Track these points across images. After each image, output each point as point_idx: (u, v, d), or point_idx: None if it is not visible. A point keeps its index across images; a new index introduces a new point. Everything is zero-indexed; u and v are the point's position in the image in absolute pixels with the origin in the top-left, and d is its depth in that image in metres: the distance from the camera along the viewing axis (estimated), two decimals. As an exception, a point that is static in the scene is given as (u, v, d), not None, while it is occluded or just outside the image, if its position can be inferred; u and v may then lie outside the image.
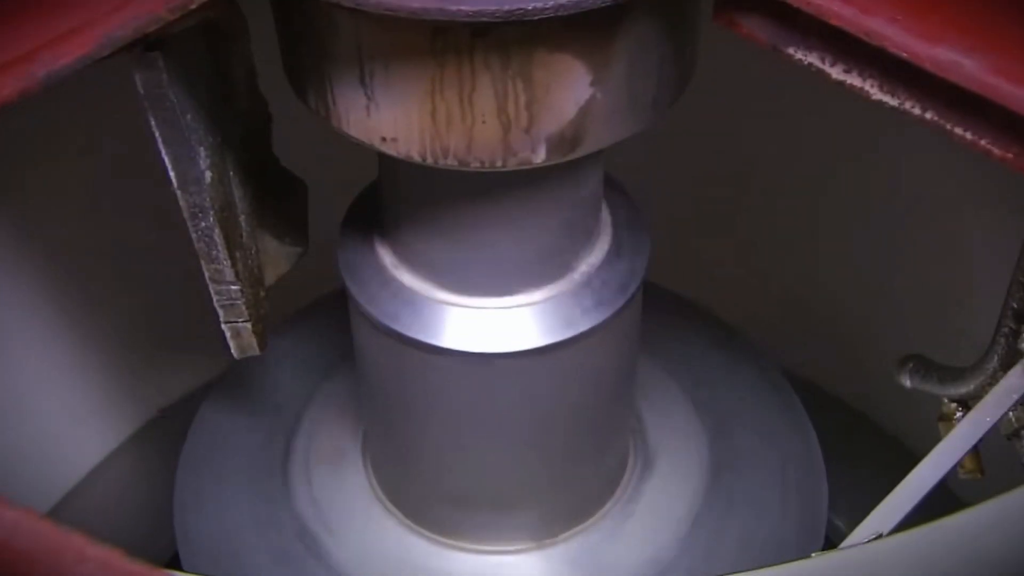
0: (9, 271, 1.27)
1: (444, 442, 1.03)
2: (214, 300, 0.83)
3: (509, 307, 0.93)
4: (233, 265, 0.82)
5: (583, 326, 0.93)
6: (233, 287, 0.83)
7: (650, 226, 0.99)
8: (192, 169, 0.76)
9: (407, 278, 0.94)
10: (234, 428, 1.23)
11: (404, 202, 0.90)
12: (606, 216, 0.98)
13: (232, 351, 0.87)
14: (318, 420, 1.22)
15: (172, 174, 0.75)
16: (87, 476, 1.47)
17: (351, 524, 1.13)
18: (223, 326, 0.85)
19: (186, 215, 0.78)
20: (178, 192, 0.77)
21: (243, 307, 0.84)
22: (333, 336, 1.18)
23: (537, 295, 0.93)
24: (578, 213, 0.91)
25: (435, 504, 1.10)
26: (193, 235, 0.79)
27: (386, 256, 0.96)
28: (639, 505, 1.14)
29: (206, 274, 0.82)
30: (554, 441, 1.03)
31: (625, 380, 1.07)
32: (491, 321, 0.93)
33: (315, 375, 1.27)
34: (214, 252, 0.80)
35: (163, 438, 1.50)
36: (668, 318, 1.26)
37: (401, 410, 1.03)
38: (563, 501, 1.11)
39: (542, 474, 1.06)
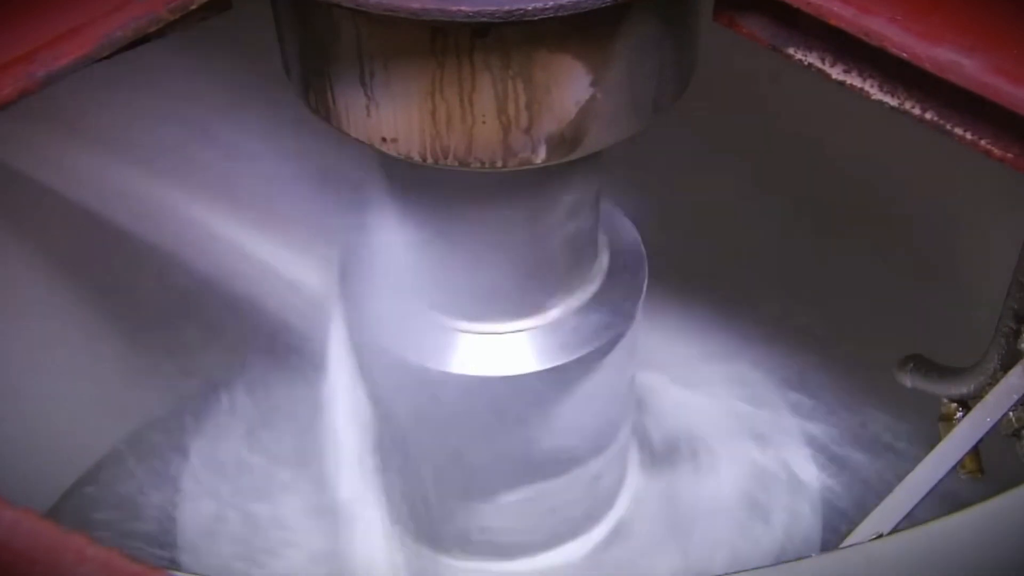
0: (20, 258, 1.27)
1: (441, 459, 1.03)
2: None
3: (506, 332, 0.93)
4: None
5: (581, 351, 0.94)
6: None
7: (645, 247, 1.00)
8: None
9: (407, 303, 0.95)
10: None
11: (402, 211, 0.90)
12: (603, 238, 0.99)
13: None
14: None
15: None
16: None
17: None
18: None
19: None
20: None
21: None
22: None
23: (535, 320, 0.94)
24: (576, 226, 0.91)
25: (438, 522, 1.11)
26: None
27: None
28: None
29: None
30: (554, 458, 1.03)
31: (619, 403, 1.07)
32: (490, 346, 0.93)
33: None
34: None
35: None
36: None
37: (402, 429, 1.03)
38: (559, 522, 1.11)
39: (541, 497, 1.07)
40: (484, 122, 0.72)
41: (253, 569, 1.18)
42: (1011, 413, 0.83)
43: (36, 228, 1.26)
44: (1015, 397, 0.82)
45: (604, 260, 0.99)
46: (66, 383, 1.38)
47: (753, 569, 0.62)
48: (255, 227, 0.93)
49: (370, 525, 1.12)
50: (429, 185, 0.86)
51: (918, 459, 0.84)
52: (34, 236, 1.27)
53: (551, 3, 0.64)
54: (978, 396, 0.89)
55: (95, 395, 1.43)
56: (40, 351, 1.33)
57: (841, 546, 0.76)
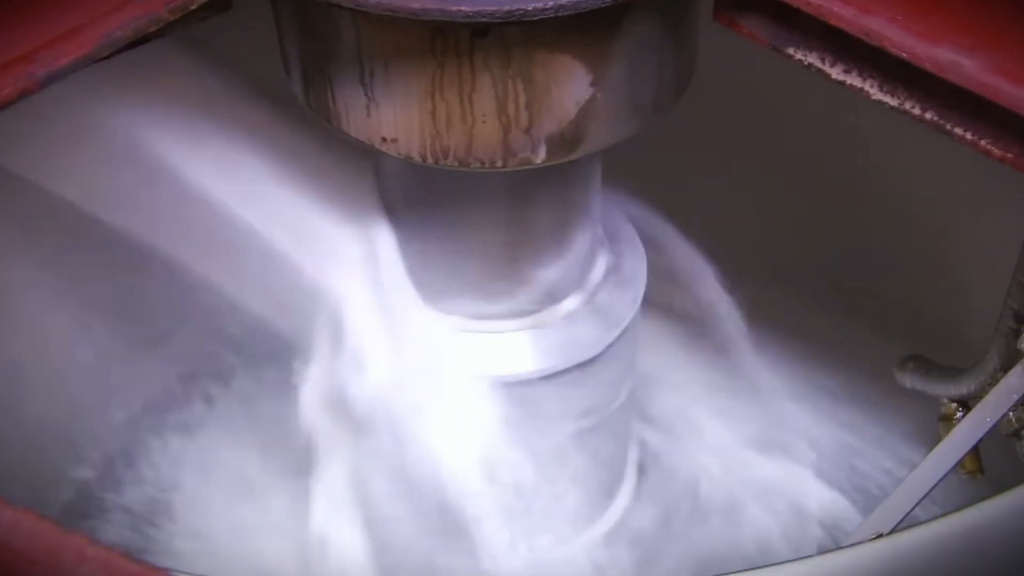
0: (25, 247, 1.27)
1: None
2: None
3: (505, 331, 0.93)
4: None
5: (580, 350, 0.94)
6: None
7: (643, 246, 1.01)
8: None
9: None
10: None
11: (402, 210, 0.90)
12: (603, 239, 0.99)
13: None
14: None
15: None
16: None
17: None
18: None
19: None
20: None
21: None
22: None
23: (534, 320, 0.94)
24: (576, 226, 0.91)
25: None
26: None
27: None
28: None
29: None
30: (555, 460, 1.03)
31: (623, 400, 1.07)
32: (488, 346, 0.93)
33: None
34: None
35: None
36: None
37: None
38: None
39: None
40: (484, 122, 0.72)
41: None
42: (1011, 413, 0.83)
43: (32, 226, 1.26)
44: (1015, 397, 0.82)
45: (604, 260, 0.99)
46: (63, 381, 1.38)
47: (753, 569, 0.62)
48: (253, 225, 0.93)
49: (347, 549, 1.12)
50: (427, 184, 0.86)
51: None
52: (30, 234, 1.27)
53: (551, 3, 0.64)
54: (978, 396, 0.89)
55: (92, 391, 1.44)
56: (36, 348, 1.33)
57: (841, 546, 0.76)
